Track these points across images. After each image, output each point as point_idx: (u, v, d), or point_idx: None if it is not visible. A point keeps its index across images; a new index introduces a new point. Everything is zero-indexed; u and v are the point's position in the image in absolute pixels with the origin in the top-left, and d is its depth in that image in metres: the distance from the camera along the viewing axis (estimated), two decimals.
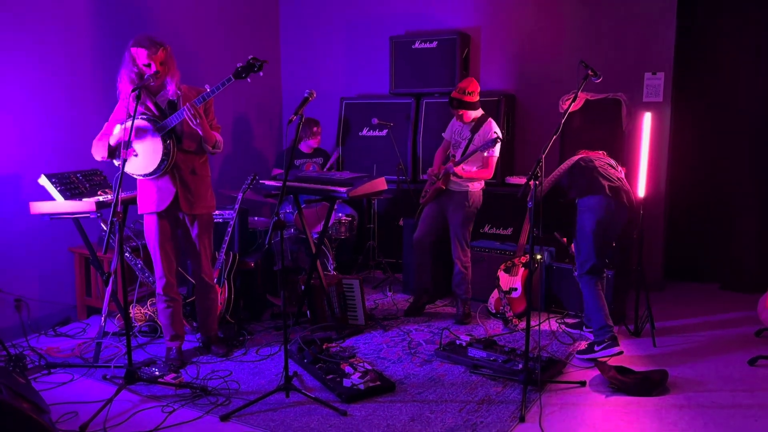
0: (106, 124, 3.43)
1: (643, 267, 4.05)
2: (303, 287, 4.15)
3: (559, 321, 4.29)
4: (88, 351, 3.79)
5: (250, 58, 3.16)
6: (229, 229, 4.15)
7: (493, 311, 4.42)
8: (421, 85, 5.45)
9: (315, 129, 5.23)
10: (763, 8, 4.77)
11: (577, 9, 5.10)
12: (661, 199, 5.01)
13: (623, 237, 4.12)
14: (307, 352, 3.55)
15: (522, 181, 4.97)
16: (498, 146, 4.13)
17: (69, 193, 3.68)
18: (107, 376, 3.42)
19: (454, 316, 4.38)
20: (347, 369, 3.36)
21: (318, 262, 4.06)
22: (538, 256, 4.38)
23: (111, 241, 3.26)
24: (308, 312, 4.26)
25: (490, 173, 4.20)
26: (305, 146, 5.28)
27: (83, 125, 4.30)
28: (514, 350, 3.59)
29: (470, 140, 4.21)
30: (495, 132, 4.14)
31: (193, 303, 4.06)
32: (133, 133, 3.11)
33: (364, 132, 5.70)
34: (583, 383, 3.33)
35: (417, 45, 5.43)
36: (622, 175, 3.75)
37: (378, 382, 3.26)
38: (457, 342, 3.77)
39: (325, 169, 5.30)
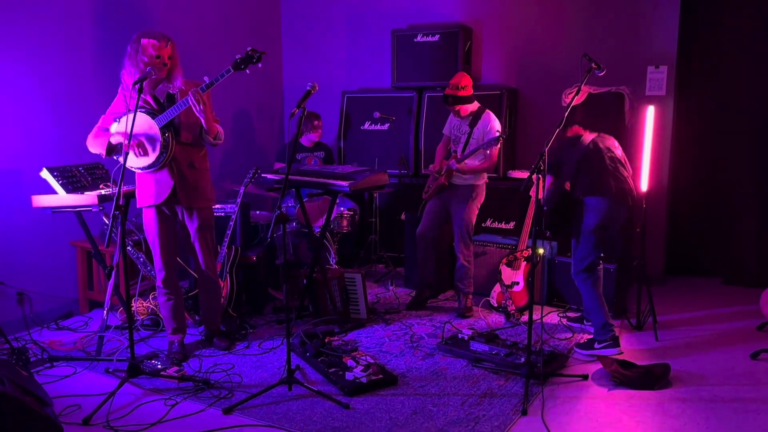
0: (103, 116, 3.42)
1: (645, 261, 4.05)
2: (305, 281, 4.15)
3: (560, 315, 4.29)
4: (90, 344, 3.80)
5: (248, 49, 3.16)
6: (231, 223, 4.15)
7: (495, 305, 4.42)
8: (423, 79, 5.43)
9: (316, 123, 5.22)
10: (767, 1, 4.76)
11: (580, 1, 5.08)
12: (663, 193, 5.00)
13: (624, 232, 4.12)
14: (309, 346, 3.55)
15: (524, 175, 4.95)
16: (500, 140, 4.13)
17: (71, 187, 3.68)
18: (110, 370, 3.43)
19: (456, 310, 4.39)
20: (349, 362, 3.36)
21: (320, 256, 4.06)
22: (540, 250, 4.38)
23: (113, 234, 3.26)
24: (310, 306, 4.26)
25: (493, 164, 4.19)
26: (306, 140, 5.27)
27: (85, 119, 4.28)
28: (516, 344, 3.60)
29: (470, 134, 4.20)
30: (495, 126, 4.13)
31: (195, 296, 4.07)
32: (133, 127, 3.10)
33: (366, 126, 5.69)
34: (585, 377, 3.33)
35: (419, 38, 5.42)
36: (630, 173, 3.71)
37: (380, 376, 3.26)
38: (460, 336, 3.77)
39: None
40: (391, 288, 4.99)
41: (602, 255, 3.71)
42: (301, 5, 6.18)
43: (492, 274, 4.52)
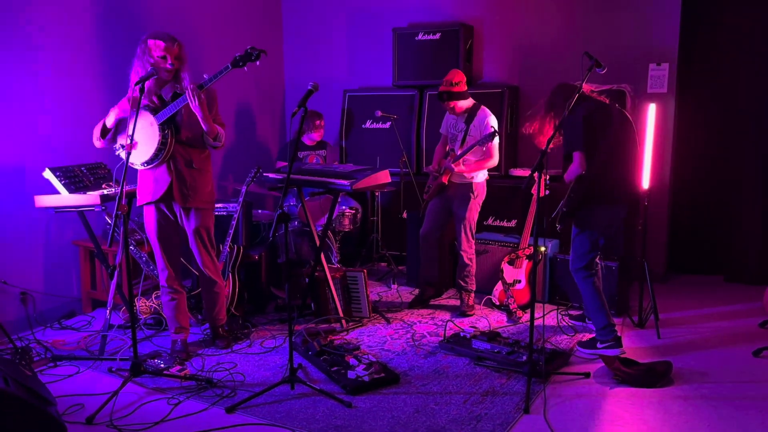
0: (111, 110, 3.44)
1: (647, 259, 4.05)
2: (307, 280, 4.16)
3: (562, 313, 4.29)
4: (93, 344, 3.81)
5: (248, 47, 3.19)
6: (234, 222, 4.15)
7: (497, 303, 4.43)
8: (425, 77, 5.43)
9: (318, 122, 5.22)
10: None
11: None
12: (665, 190, 5.00)
13: (626, 229, 4.12)
14: (311, 345, 3.56)
15: (526, 173, 4.96)
16: (496, 136, 4.12)
17: (73, 187, 3.69)
18: (113, 369, 3.44)
19: (458, 309, 4.39)
20: (352, 361, 3.37)
21: (322, 255, 4.07)
22: (542, 248, 4.38)
23: (116, 234, 3.27)
24: (312, 304, 4.27)
25: (493, 160, 4.19)
26: (308, 139, 5.27)
27: (87, 119, 4.30)
28: (518, 342, 3.60)
29: (466, 132, 4.20)
30: (490, 122, 4.13)
31: (198, 295, 4.08)
32: (134, 123, 3.11)
33: (368, 124, 5.69)
34: (587, 375, 3.33)
35: (420, 37, 5.42)
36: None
37: (382, 374, 3.26)
38: (462, 334, 3.78)
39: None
40: (393, 286, 5.00)
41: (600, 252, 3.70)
42: (303, 4, 6.18)
43: (494, 273, 4.53)
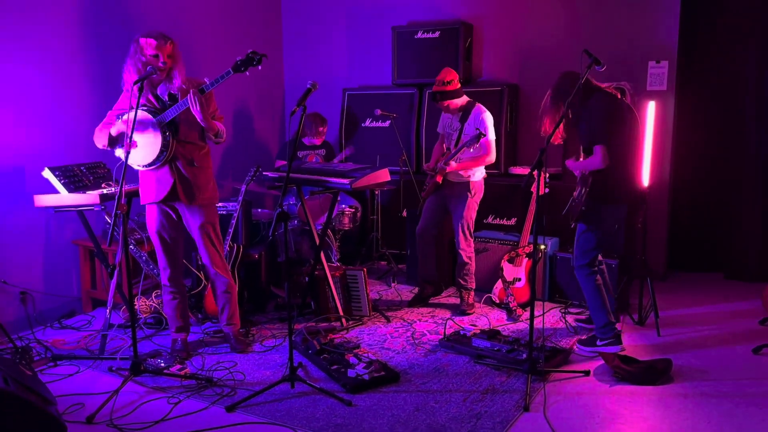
0: (109, 112, 3.45)
1: (647, 256, 4.04)
2: (307, 279, 4.16)
3: (563, 311, 4.29)
4: (93, 343, 3.81)
5: (249, 51, 3.16)
6: (233, 221, 4.15)
7: (497, 301, 4.43)
8: (424, 76, 5.42)
9: (321, 129, 5.21)
10: None
11: None
12: (664, 187, 5.00)
13: (626, 227, 4.11)
14: (311, 343, 3.56)
15: (525, 171, 4.96)
16: (491, 130, 4.10)
17: (73, 186, 3.69)
18: (113, 368, 3.44)
19: (458, 307, 4.39)
20: (352, 360, 3.37)
21: (322, 254, 4.07)
22: (542, 246, 4.38)
23: (115, 233, 3.27)
24: (312, 303, 4.27)
25: (490, 157, 4.15)
26: (308, 142, 5.28)
27: (87, 118, 4.30)
28: (518, 340, 3.60)
29: (461, 131, 4.19)
30: (485, 119, 4.11)
31: (198, 295, 4.08)
32: (133, 123, 3.11)
33: (367, 123, 5.69)
34: (587, 372, 3.33)
35: (419, 35, 5.41)
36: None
37: (382, 373, 3.27)
38: (461, 332, 3.78)
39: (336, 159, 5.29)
40: (393, 285, 5.00)
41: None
42: (302, 2, 6.18)
43: (494, 271, 4.53)
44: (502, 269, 4.35)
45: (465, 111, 4.20)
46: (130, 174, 3.29)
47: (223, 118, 3.52)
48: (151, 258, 4.01)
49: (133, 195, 3.63)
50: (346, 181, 3.82)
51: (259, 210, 5.19)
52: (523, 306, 4.29)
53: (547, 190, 3.30)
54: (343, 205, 5.07)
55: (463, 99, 4.21)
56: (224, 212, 4.38)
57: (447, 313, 4.31)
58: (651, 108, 4.18)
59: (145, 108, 3.29)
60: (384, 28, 5.71)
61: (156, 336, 3.94)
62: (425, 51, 5.40)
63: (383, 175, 3.98)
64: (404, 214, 5.13)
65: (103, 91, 4.42)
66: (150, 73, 3.18)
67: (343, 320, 4.07)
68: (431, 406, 3.01)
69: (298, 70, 6.29)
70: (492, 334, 3.66)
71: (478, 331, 3.73)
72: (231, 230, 4.12)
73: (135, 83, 3.09)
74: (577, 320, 4.10)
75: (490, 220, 4.99)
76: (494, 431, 2.77)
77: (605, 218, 3.49)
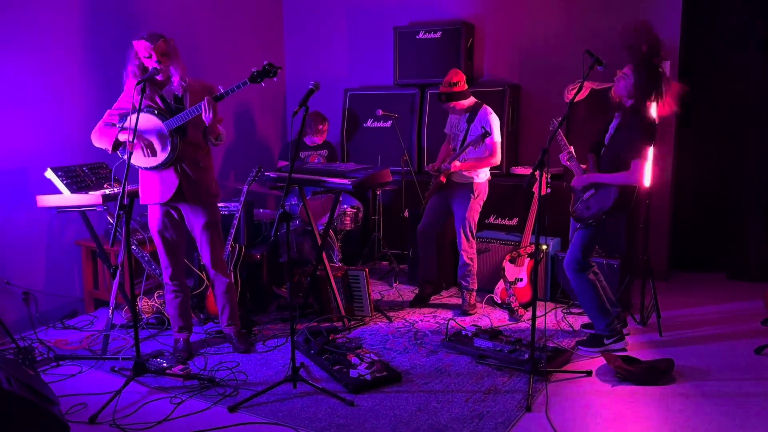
0: (108, 111, 3.43)
1: (649, 256, 4.04)
2: (309, 279, 4.17)
3: (564, 311, 4.29)
4: (96, 343, 3.82)
5: (265, 63, 3.19)
6: (235, 222, 4.16)
7: (499, 301, 4.43)
8: (426, 76, 5.43)
9: (321, 126, 5.21)
10: None
11: None
12: (667, 188, 4.99)
13: (628, 227, 4.11)
14: (313, 343, 3.56)
15: (527, 171, 4.96)
16: (497, 132, 4.11)
17: (75, 187, 3.70)
18: (115, 368, 3.45)
19: (460, 307, 4.39)
20: (354, 360, 3.37)
21: (324, 254, 4.07)
22: (544, 246, 4.38)
23: (118, 233, 3.27)
24: (314, 303, 4.27)
25: (495, 158, 4.16)
26: (310, 141, 5.28)
27: (89, 118, 4.30)
28: (520, 340, 3.60)
29: (467, 131, 4.19)
30: (491, 121, 4.12)
31: (200, 295, 4.09)
32: (136, 124, 3.11)
33: (369, 123, 5.69)
34: (589, 373, 3.33)
35: (421, 35, 5.41)
36: None
37: (384, 373, 3.27)
38: (463, 332, 3.78)
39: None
40: (394, 285, 5.00)
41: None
42: (303, 3, 6.18)
43: (495, 271, 4.53)
44: (503, 269, 4.35)
45: (472, 112, 4.21)
46: (133, 174, 3.28)
47: (223, 120, 3.53)
48: (153, 258, 4.01)
49: (136, 195, 3.63)
50: (348, 181, 3.82)
51: (261, 210, 5.20)
52: (524, 306, 4.29)
53: (548, 190, 3.30)
54: (345, 206, 5.07)
55: (470, 100, 4.22)
56: (226, 212, 4.38)
57: (449, 314, 4.32)
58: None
59: (150, 109, 3.29)
60: (385, 28, 5.71)
61: (158, 336, 3.94)
62: (427, 51, 5.40)
63: (385, 176, 3.98)
64: (406, 214, 5.13)
65: (105, 92, 4.42)
66: (152, 74, 3.19)
67: (345, 320, 4.07)
68: (433, 406, 3.01)
69: (300, 71, 6.30)
70: (494, 334, 3.66)
71: (480, 332, 3.70)
72: (233, 230, 4.12)
73: (137, 84, 3.10)
74: (582, 325, 4.02)
75: (491, 220, 4.99)
76: (496, 431, 2.78)
77: (609, 221, 3.50)
